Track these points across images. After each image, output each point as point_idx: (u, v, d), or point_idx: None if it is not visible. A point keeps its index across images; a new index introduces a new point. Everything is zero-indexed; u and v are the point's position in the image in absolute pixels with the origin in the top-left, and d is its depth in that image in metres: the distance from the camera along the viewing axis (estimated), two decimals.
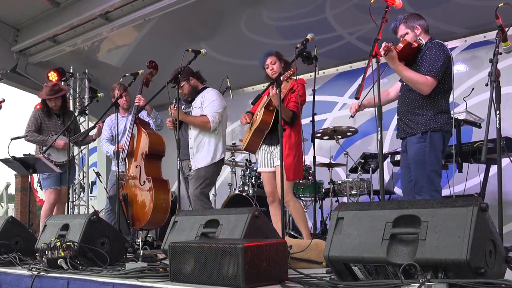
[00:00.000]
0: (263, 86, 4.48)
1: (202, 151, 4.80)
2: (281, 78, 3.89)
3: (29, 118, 5.77)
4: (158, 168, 5.34)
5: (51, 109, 5.81)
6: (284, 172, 4.15)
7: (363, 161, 5.75)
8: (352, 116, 3.98)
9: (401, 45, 3.66)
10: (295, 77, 4.15)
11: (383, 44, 3.49)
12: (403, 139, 3.87)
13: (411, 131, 3.73)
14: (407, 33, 3.76)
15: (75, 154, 8.30)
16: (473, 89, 5.09)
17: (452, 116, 3.80)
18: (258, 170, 4.64)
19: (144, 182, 5.15)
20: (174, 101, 4.57)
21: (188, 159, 4.83)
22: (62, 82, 8.08)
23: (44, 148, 5.61)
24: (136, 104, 5.24)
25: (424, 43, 3.75)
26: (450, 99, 3.81)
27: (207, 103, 4.83)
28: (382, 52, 3.47)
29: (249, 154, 6.55)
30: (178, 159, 4.24)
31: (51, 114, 5.83)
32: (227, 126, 8.18)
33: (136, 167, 5.23)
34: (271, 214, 4.46)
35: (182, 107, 4.93)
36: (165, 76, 4.60)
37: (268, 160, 4.43)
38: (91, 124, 7.73)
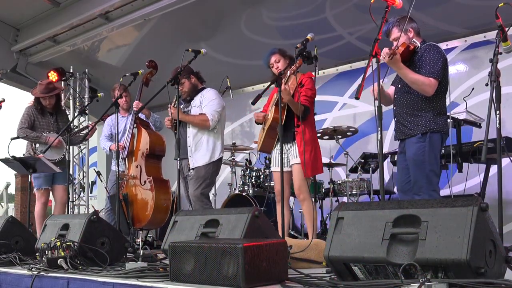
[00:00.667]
0: (263, 86, 4.47)
1: (200, 150, 4.80)
2: (288, 72, 3.90)
3: (22, 115, 5.72)
4: (159, 168, 5.34)
5: (44, 107, 5.77)
6: (301, 169, 4.16)
7: (363, 161, 5.74)
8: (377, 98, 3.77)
9: (401, 48, 3.67)
10: (302, 72, 4.14)
11: (386, 49, 3.50)
12: (401, 140, 3.90)
13: (411, 132, 3.76)
14: (399, 36, 3.78)
15: (75, 154, 8.32)
16: (473, 89, 5.10)
17: (450, 116, 3.81)
18: (271, 170, 4.59)
19: (145, 182, 5.15)
20: (174, 99, 4.56)
21: (186, 158, 4.83)
22: (62, 82, 8.09)
23: (36, 145, 5.60)
24: (134, 109, 5.25)
25: (419, 45, 3.78)
26: (449, 100, 3.82)
27: (206, 102, 4.83)
28: (387, 57, 3.48)
29: (249, 154, 6.56)
30: (178, 159, 4.23)
31: (44, 112, 5.78)
32: (227, 126, 8.24)
33: (137, 167, 5.23)
34: (277, 213, 4.43)
35: (181, 106, 4.93)
36: (165, 76, 4.60)
37: (283, 159, 4.36)
38: None
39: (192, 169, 4.80)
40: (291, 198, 5.43)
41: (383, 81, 3.59)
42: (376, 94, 3.56)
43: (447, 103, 3.82)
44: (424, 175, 3.66)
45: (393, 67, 3.62)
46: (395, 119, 3.92)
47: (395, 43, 3.78)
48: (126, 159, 5.32)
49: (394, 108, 3.95)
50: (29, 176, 5.30)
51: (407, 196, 3.80)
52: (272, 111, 4.27)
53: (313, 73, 4.38)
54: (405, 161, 3.85)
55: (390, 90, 4.05)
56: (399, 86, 3.89)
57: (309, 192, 4.37)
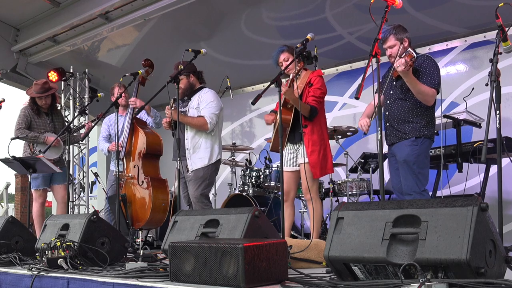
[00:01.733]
0: (263, 86, 4.47)
1: (198, 152, 4.78)
2: (291, 75, 3.93)
3: (18, 116, 5.68)
4: (156, 168, 5.33)
5: (40, 107, 5.74)
6: (310, 170, 4.17)
7: (363, 161, 5.74)
8: (365, 134, 4.07)
9: (409, 58, 3.72)
10: (310, 70, 4.14)
11: (402, 60, 3.53)
12: (391, 144, 4.00)
13: (405, 136, 3.89)
14: (395, 45, 3.87)
15: (75, 154, 8.32)
16: (473, 89, 5.12)
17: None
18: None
19: (143, 181, 5.14)
20: (172, 101, 4.54)
21: (184, 159, 4.81)
22: (62, 82, 8.09)
23: (34, 145, 5.59)
24: (132, 106, 5.23)
25: (415, 56, 3.82)
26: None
27: (204, 104, 4.79)
28: (403, 67, 3.52)
29: (249, 154, 6.56)
30: (178, 159, 4.23)
31: (40, 112, 5.76)
32: (227, 126, 8.24)
33: (134, 167, 5.22)
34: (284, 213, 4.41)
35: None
36: (165, 76, 4.59)
37: (291, 159, 4.35)
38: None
39: (192, 171, 4.79)
40: None
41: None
42: (366, 129, 3.94)
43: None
44: (414, 176, 3.78)
45: (404, 77, 3.69)
46: (387, 124, 4.02)
47: (389, 51, 3.90)
48: (124, 159, 5.32)
49: (386, 113, 4.05)
50: (29, 176, 5.30)
51: (403, 195, 3.87)
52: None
53: (322, 71, 4.36)
54: (396, 163, 3.97)
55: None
56: (391, 92, 4.00)
57: (317, 192, 4.34)
